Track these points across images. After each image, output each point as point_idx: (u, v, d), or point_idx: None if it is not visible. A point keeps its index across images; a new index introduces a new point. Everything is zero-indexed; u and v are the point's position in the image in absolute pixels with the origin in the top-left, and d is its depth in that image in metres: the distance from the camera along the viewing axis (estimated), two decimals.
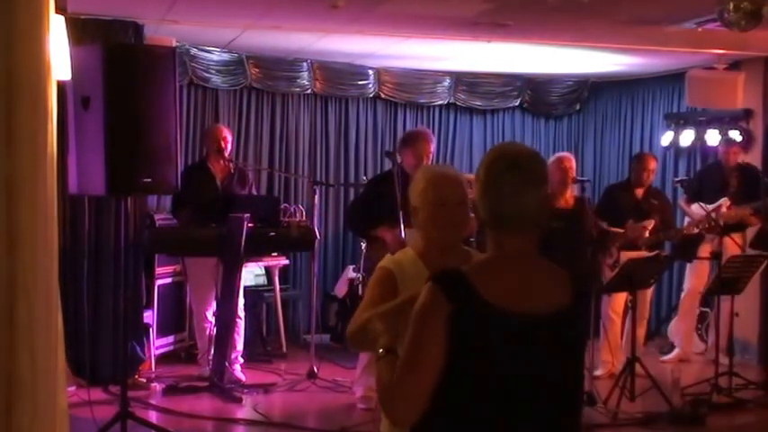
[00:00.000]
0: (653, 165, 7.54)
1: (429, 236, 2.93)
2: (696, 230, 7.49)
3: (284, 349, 8.04)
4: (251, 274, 8.01)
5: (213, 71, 8.51)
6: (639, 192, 7.44)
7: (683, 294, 8.07)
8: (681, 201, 8.08)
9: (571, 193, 6.93)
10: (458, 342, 2.14)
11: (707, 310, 8.14)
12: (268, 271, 8.23)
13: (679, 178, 8.06)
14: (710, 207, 7.46)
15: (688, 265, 7.99)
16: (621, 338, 7.38)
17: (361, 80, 9.27)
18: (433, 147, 6.39)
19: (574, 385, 2.34)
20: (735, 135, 8.18)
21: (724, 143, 8.08)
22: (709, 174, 8.03)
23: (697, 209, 7.54)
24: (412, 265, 2.91)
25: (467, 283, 2.17)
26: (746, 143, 8.18)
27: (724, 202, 7.62)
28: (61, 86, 3.51)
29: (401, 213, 5.92)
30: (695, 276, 7.87)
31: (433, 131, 9.54)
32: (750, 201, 7.53)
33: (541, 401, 2.22)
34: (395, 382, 2.18)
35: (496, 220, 2.25)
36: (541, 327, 2.21)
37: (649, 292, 7.35)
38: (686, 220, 7.95)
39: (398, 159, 6.46)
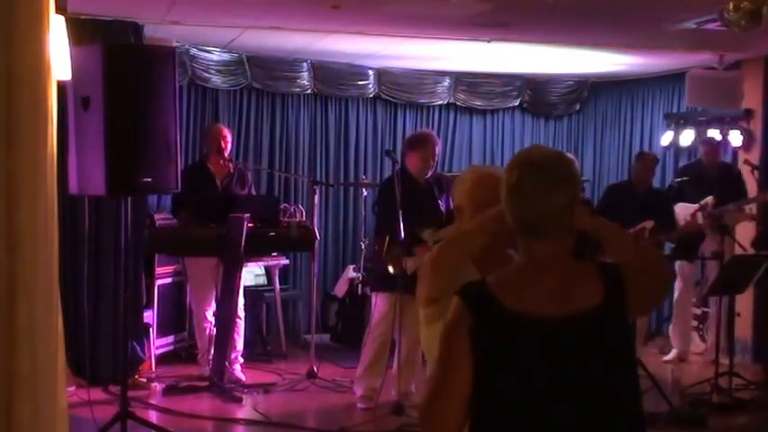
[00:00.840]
0: (653, 165, 7.54)
1: None
2: (694, 228, 7.46)
3: (284, 349, 8.04)
4: (251, 274, 8.00)
5: (213, 71, 8.51)
6: (640, 192, 7.44)
7: (675, 296, 8.04)
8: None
9: None
10: (483, 355, 2.12)
11: (708, 309, 8.13)
12: (268, 271, 8.23)
13: (679, 178, 8.06)
14: (695, 206, 7.47)
15: (677, 265, 7.94)
16: None
17: (361, 80, 9.27)
18: (438, 149, 6.40)
19: (626, 388, 2.19)
20: (735, 135, 8.20)
21: (704, 143, 8.12)
22: (689, 173, 8.03)
23: (681, 209, 7.55)
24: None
25: (489, 294, 2.14)
26: (746, 143, 8.19)
27: (709, 200, 7.60)
28: (61, 86, 3.51)
29: (401, 213, 5.92)
30: (682, 277, 7.84)
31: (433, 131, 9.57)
32: (731, 200, 7.55)
33: (587, 408, 2.13)
34: (427, 397, 2.17)
35: (523, 226, 2.22)
36: (575, 329, 2.14)
37: None
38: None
39: (399, 160, 6.46)
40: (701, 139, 8.26)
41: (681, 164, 9.10)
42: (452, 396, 2.13)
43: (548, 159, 2.22)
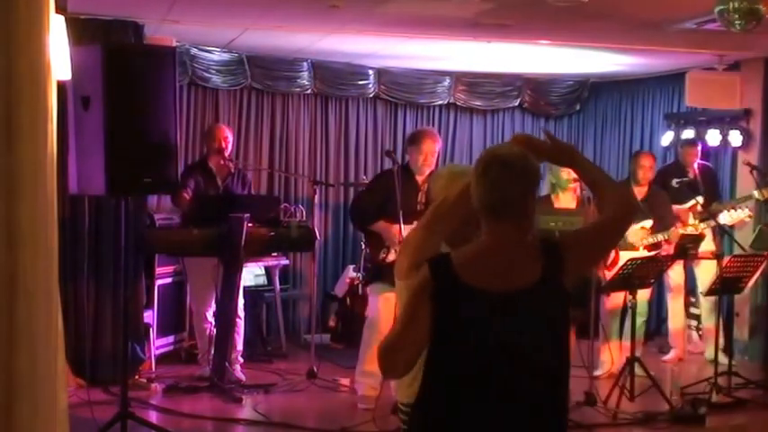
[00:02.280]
0: (649, 162, 7.50)
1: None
2: (690, 231, 7.45)
3: (284, 349, 8.04)
4: (251, 274, 8.00)
5: (213, 71, 8.51)
6: (639, 192, 7.44)
7: (668, 296, 8.04)
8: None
9: (573, 193, 6.89)
10: (439, 314, 2.54)
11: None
12: (268, 271, 8.23)
13: (679, 179, 8.06)
14: (685, 207, 7.46)
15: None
16: (621, 338, 7.38)
17: (361, 80, 9.27)
18: (438, 146, 6.44)
19: (554, 359, 2.60)
20: (690, 134, 8.32)
21: (685, 144, 8.17)
22: (669, 174, 8.03)
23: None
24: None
25: (449, 265, 2.57)
26: (746, 143, 8.20)
27: (699, 200, 7.58)
28: (61, 86, 3.51)
29: (401, 211, 5.94)
30: (674, 276, 7.84)
31: None
32: (713, 200, 7.57)
33: (519, 373, 2.55)
34: (390, 336, 2.59)
35: (486, 209, 2.61)
36: (515, 301, 2.55)
37: (649, 291, 7.34)
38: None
39: (400, 160, 6.51)
40: (683, 140, 8.29)
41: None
42: (406, 347, 2.57)
43: (511, 156, 2.61)
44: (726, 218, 7.25)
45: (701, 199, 7.38)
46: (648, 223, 7.26)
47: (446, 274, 2.55)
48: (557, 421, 2.66)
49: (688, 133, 8.34)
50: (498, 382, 2.54)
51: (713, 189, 7.87)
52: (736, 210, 7.29)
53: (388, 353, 2.58)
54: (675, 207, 7.53)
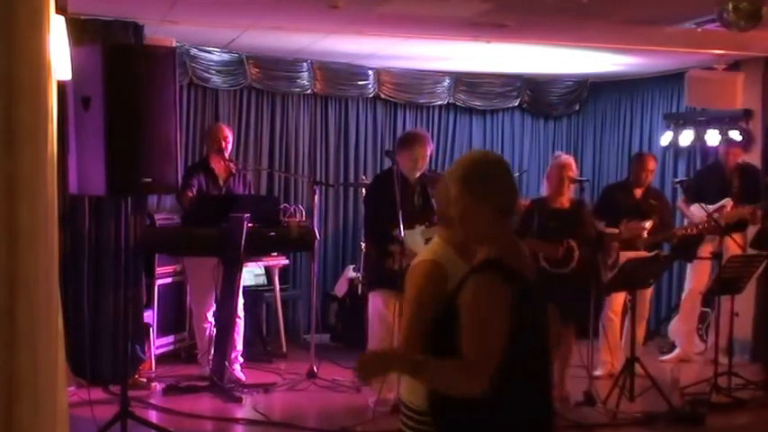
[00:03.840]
0: (652, 165, 7.53)
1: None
2: (695, 231, 7.47)
3: (284, 349, 8.04)
4: (251, 274, 8.01)
5: (213, 71, 8.51)
6: (638, 192, 7.44)
7: (683, 294, 8.07)
8: (679, 201, 8.07)
9: (569, 194, 6.88)
10: (519, 315, 2.62)
11: (707, 310, 8.13)
12: (268, 271, 8.23)
13: (678, 179, 8.06)
14: (712, 208, 7.46)
15: (689, 266, 7.98)
16: (621, 338, 7.38)
17: (361, 80, 9.28)
18: (429, 150, 6.37)
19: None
20: (735, 135, 8.18)
21: (724, 143, 8.09)
22: (709, 174, 8.02)
23: (697, 210, 7.53)
24: (453, 258, 3.02)
25: (509, 267, 2.66)
26: (746, 143, 8.18)
27: (727, 202, 7.61)
28: (61, 86, 3.51)
29: (400, 214, 5.92)
30: (696, 276, 7.86)
31: (433, 132, 9.57)
32: (751, 200, 7.53)
33: (545, 357, 2.84)
34: (477, 357, 2.61)
35: (504, 210, 2.74)
36: (536, 288, 2.77)
37: (649, 291, 7.35)
38: (685, 220, 7.95)
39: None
40: (725, 139, 8.19)
41: (680, 164, 9.12)
42: (494, 357, 2.61)
43: (503, 161, 2.85)
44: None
45: (728, 201, 7.42)
46: (649, 223, 7.26)
47: (511, 274, 2.66)
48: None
49: (733, 133, 8.20)
50: (544, 367, 2.83)
51: (753, 189, 7.68)
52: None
53: (481, 367, 2.61)
54: (698, 207, 7.49)
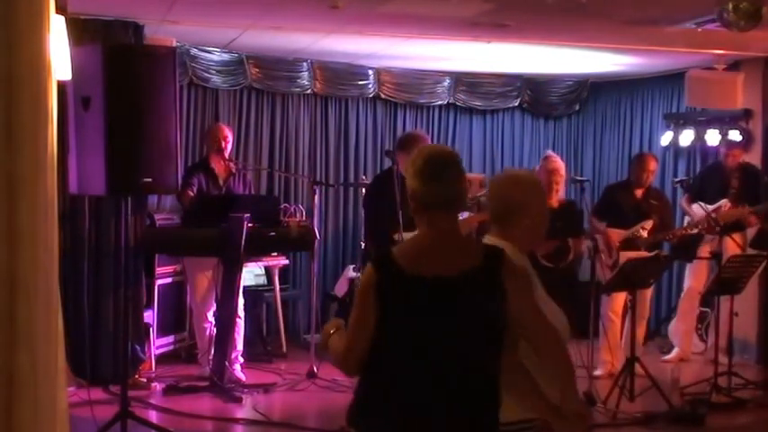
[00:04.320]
0: (653, 165, 7.53)
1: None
2: (695, 231, 7.47)
3: (284, 349, 8.04)
4: (251, 274, 8.01)
5: (213, 71, 8.51)
6: (639, 192, 7.44)
7: (682, 294, 8.08)
8: (682, 201, 8.08)
9: (558, 196, 6.81)
10: (382, 303, 2.67)
11: (707, 310, 8.13)
12: (268, 271, 8.23)
13: (678, 178, 8.06)
14: (711, 207, 7.47)
15: (688, 266, 7.98)
16: (621, 338, 7.38)
17: (361, 80, 9.28)
18: None
19: (482, 351, 2.70)
20: (735, 136, 8.17)
21: (725, 144, 8.09)
22: (710, 174, 8.03)
23: (698, 209, 7.54)
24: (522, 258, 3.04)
25: (391, 258, 2.71)
26: (746, 143, 8.18)
27: (724, 203, 7.62)
28: (61, 86, 3.51)
29: (400, 214, 5.93)
30: (694, 276, 7.87)
31: (433, 132, 9.57)
32: (751, 201, 7.53)
33: (452, 358, 2.67)
34: (348, 340, 2.77)
35: (438, 203, 2.73)
36: (451, 286, 2.67)
37: (649, 291, 7.34)
38: (686, 220, 7.95)
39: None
40: (726, 140, 8.19)
41: (680, 164, 9.12)
42: (364, 337, 2.70)
43: (451, 155, 2.79)
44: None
45: (725, 202, 7.41)
46: (648, 224, 7.26)
47: (387, 264, 2.70)
48: (485, 408, 2.73)
49: (733, 134, 8.18)
50: (433, 368, 2.67)
51: (753, 189, 7.68)
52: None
53: (349, 355, 2.77)
54: (698, 206, 7.49)
